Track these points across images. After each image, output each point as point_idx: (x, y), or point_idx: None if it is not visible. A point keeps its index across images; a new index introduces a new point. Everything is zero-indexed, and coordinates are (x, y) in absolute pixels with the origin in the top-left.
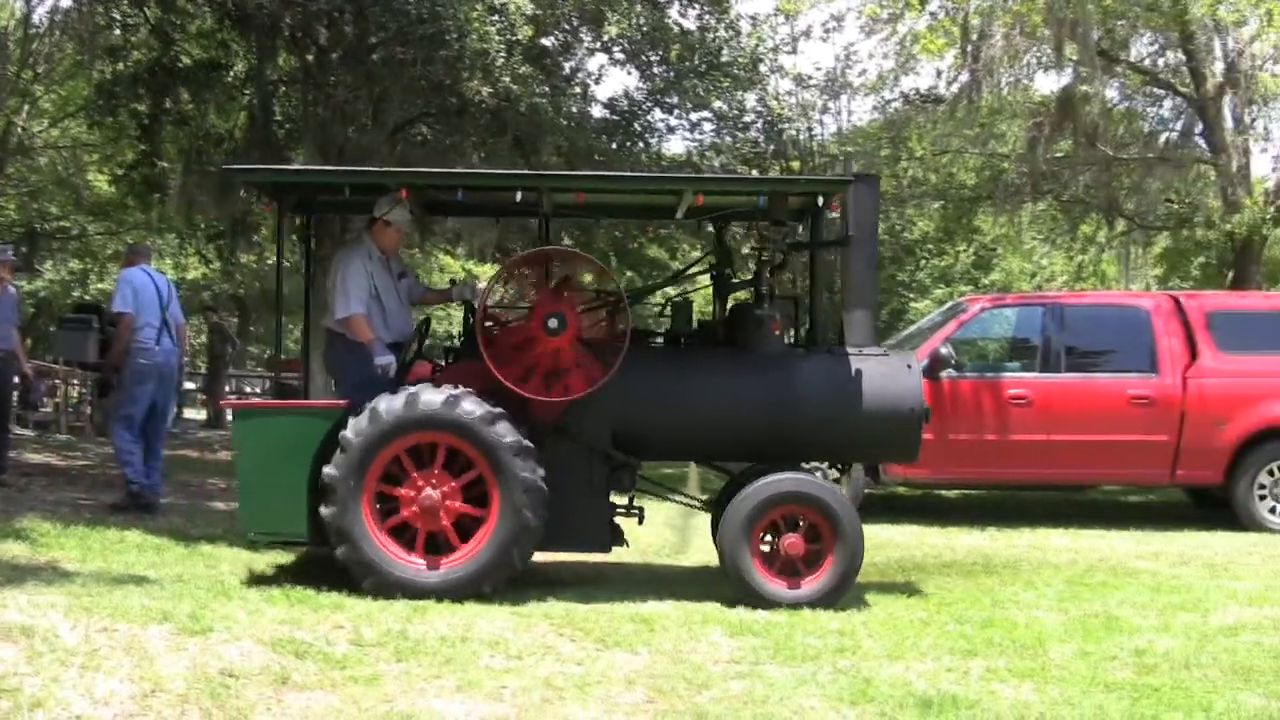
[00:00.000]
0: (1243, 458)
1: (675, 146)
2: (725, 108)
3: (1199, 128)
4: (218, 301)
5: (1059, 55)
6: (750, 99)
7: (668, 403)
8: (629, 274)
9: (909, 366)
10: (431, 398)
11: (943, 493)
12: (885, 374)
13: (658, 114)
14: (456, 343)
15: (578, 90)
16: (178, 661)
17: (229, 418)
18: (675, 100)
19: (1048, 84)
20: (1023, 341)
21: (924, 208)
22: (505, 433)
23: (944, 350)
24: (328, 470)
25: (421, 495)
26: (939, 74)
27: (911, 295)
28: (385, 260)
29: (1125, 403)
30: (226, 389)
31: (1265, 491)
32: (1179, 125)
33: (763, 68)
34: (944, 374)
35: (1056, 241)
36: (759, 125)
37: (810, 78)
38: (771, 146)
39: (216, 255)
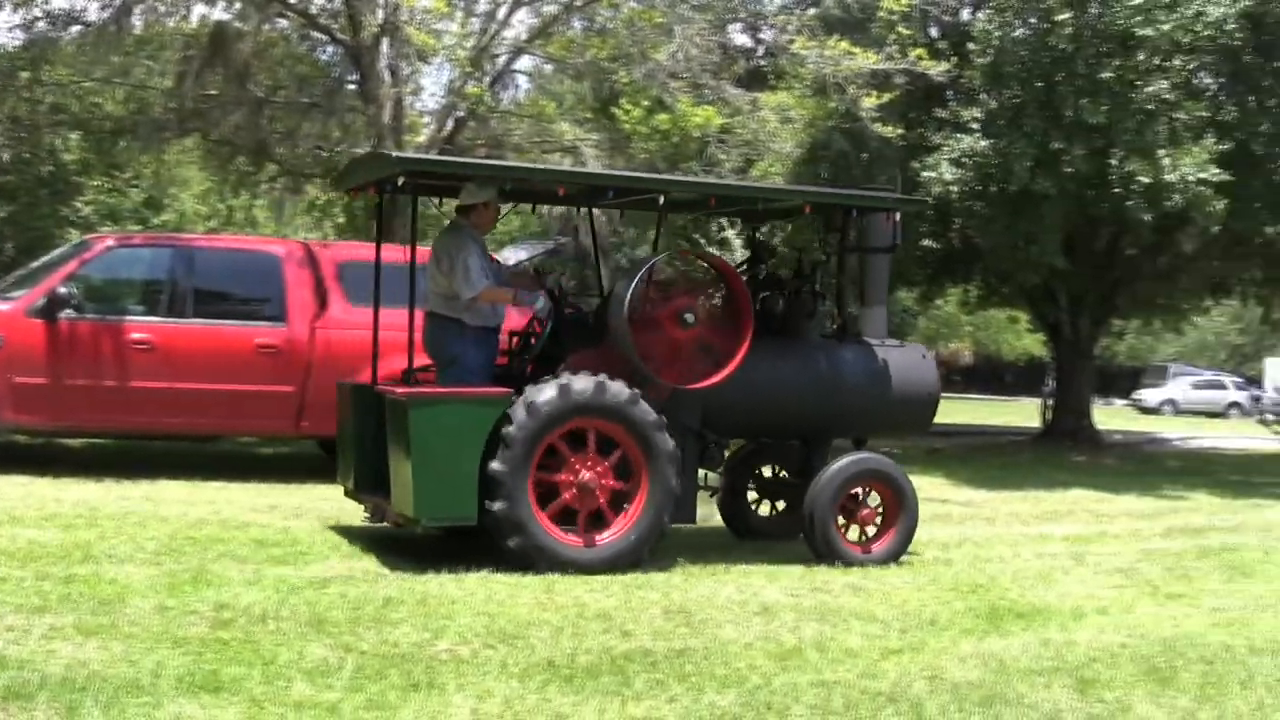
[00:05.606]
0: None
1: None
2: None
3: (355, 76)
4: None
5: None
6: None
7: (744, 385)
8: None
9: (924, 356)
10: (583, 386)
11: (67, 441)
12: (908, 362)
13: None
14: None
15: None
16: None
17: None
18: None
19: (217, 17)
20: (151, 284)
21: (62, 137)
22: (647, 411)
23: (63, 289)
24: (494, 466)
25: (579, 478)
26: None
27: (76, 232)
28: (482, 242)
29: (252, 351)
30: None
31: None
32: (337, 72)
33: None
34: (62, 314)
35: (212, 184)
36: None
37: None
38: None
39: None
